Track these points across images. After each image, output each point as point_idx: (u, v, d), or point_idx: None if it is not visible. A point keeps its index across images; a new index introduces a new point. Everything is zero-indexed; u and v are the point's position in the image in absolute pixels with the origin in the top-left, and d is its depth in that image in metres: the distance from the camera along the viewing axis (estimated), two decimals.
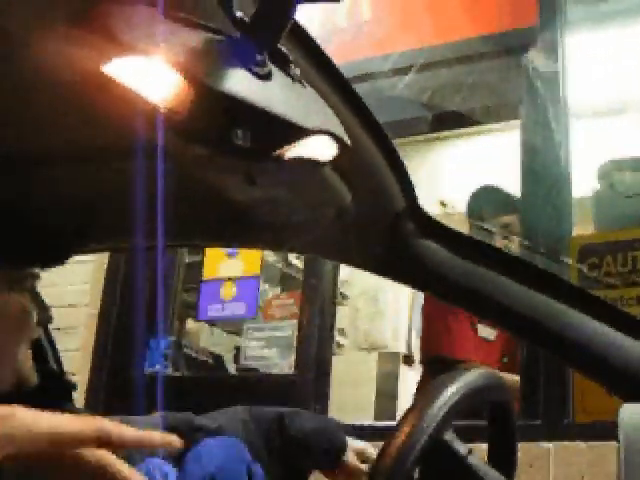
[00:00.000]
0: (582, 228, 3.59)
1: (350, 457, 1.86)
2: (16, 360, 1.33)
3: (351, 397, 5.28)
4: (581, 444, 2.98)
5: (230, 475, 1.63)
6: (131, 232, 1.27)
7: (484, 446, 1.37)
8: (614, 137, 4.23)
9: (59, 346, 2.00)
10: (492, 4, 3.96)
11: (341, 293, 5.06)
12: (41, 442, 0.78)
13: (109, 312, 4.39)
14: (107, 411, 1.70)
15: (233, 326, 5.14)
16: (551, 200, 3.45)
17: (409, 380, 5.12)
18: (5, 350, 1.32)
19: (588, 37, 4.04)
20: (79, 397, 3.80)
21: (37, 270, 1.41)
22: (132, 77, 0.92)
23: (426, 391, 1.17)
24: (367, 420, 4.50)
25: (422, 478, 1.19)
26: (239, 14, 0.93)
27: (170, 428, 1.64)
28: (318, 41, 1.12)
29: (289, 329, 4.41)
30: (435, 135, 4.50)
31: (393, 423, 1.12)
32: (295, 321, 4.23)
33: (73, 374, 3.82)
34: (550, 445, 3.03)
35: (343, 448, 1.85)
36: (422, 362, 3.95)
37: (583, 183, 3.61)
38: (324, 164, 1.10)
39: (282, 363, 4.41)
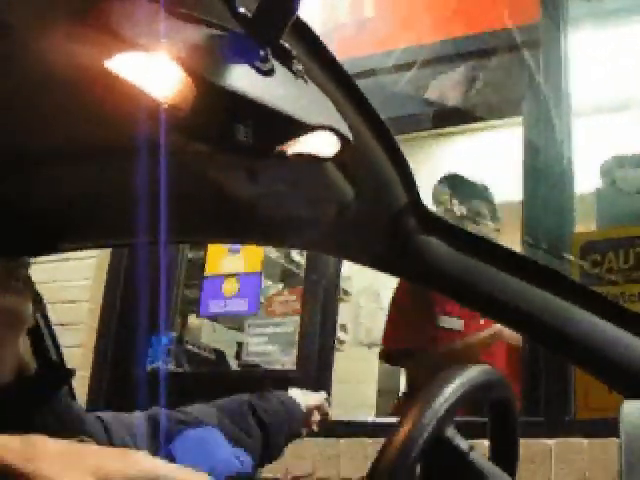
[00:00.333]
0: (584, 225, 3.60)
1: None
2: (17, 349, 1.34)
3: (353, 393, 5.28)
4: (582, 441, 2.98)
5: (217, 459, 1.67)
6: (133, 228, 1.27)
7: (486, 442, 1.37)
8: (616, 134, 4.23)
9: (61, 342, 2.01)
10: (494, 1, 3.96)
11: (343, 289, 5.06)
12: None
13: (111, 308, 4.39)
14: (108, 408, 1.70)
15: (235, 322, 5.15)
16: (553, 197, 3.45)
17: None
18: (6, 341, 1.33)
19: (590, 34, 4.04)
20: (81, 393, 3.80)
21: (29, 258, 1.40)
22: (134, 73, 0.92)
23: (427, 388, 1.17)
24: (369, 416, 4.50)
25: (424, 474, 1.19)
26: (241, 10, 0.93)
27: (156, 423, 1.66)
28: (321, 37, 1.12)
29: (291, 325, 4.42)
30: (437, 131, 4.49)
31: (394, 419, 1.12)
32: (297, 317, 4.24)
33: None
34: (552, 442, 3.03)
35: (301, 419, 2.03)
36: (380, 356, 4.00)
37: (585, 180, 3.61)
38: (326, 160, 1.10)
39: (284, 359, 4.42)
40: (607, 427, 2.88)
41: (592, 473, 2.92)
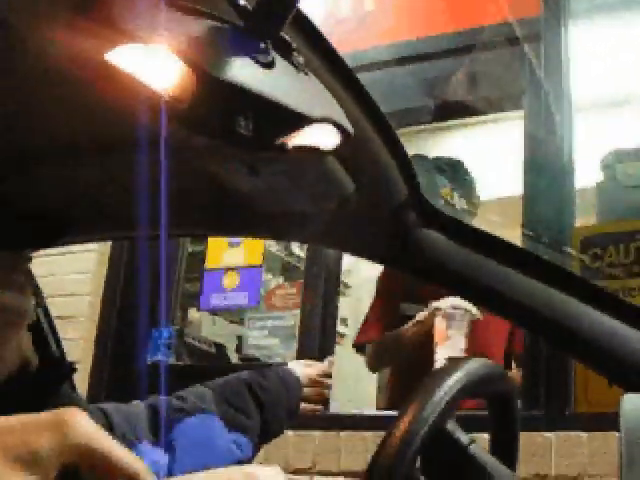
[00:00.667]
0: (584, 219, 3.60)
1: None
2: (18, 345, 1.34)
3: (353, 387, 5.29)
4: (583, 434, 2.98)
5: (218, 446, 1.68)
6: (133, 221, 1.27)
7: (486, 436, 1.38)
8: (617, 128, 4.23)
9: (61, 335, 2.01)
10: None
11: (343, 283, 5.07)
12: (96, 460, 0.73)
13: (111, 301, 4.39)
14: (109, 401, 1.70)
15: (235, 315, 5.15)
16: (553, 191, 3.45)
17: None
18: (7, 336, 1.33)
19: (591, 28, 4.04)
20: (81, 386, 3.80)
21: (30, 253, 1.40)
22: (135, 65, 0.92)
23: (428, 381, 1.17)
24: (369, 410, 4.50)
25: (424, 468, 1.20)
26: (242, 2, 0.93)
27: (156, 412, 1.67)
28: (321, 30, 1.12)
29: (291, 319, 4.42)
30: (438, 125, 4.50)
31: (395, 413, 1.12)
32: (297, 311, 4.24)
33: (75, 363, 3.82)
34: (552, 435, 3.03)
35: (300, 393, 2.02)
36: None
37: (586, 174, 3.61)
38: (327, 153, 1.10)
39: (284, 353, 4.42)
40: (607, 421, 2.89)
41: (592, 467, 2.92)
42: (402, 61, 3.99)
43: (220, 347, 4.90)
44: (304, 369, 2.07)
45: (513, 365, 3.65)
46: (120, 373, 4.16)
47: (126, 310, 4.32)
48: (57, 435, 0.64)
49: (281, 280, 5.17)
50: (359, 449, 3.36)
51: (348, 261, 4.63)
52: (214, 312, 5.00)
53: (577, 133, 3.58)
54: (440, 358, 3.36)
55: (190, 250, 4.89)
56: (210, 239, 4.47)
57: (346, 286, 5.60)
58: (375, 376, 5.70)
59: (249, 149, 1.02)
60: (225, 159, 1.15)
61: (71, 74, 0.99)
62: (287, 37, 1.00)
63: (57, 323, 1.97)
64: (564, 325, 1.32)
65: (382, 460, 1.07)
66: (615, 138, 3.96)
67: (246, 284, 4.36)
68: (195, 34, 0.91)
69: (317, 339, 3.92)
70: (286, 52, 1.00)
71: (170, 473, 1.55)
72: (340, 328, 5.02)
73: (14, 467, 0.61)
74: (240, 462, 1.77)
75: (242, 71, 0.92)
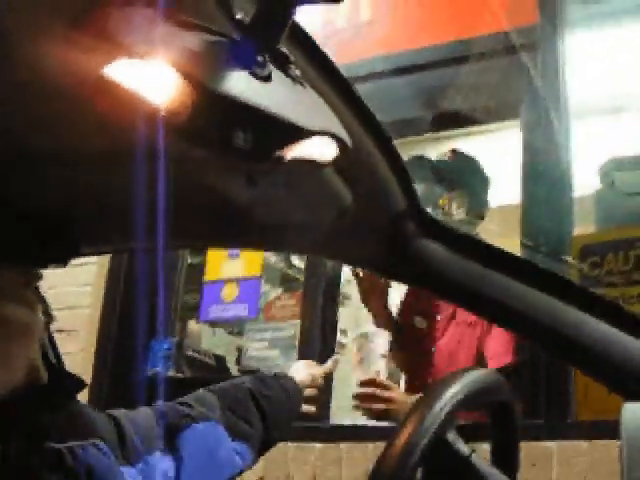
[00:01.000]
0: (583, 227, 3.60)
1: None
2: (29, 361, 1.34)
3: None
4: (584, 443, 2.97)
5: (221, 456, 1.69)
6: (132, 234, 1.27)
7: (486, 446, 1.38)
8: (615, 136, 4.23)
9: (60, 348, 2.00)
10: (492, 3, 3.96)
11: (343, 293, 5.06)
12: None
13: (111, 314, 4.39)
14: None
15: (235, 327, 5.15)
16: (552, 199, 3.45)
17: None
18: (19, 353, 1.33)
19: (588, 36, 4.05)
20: (82, 398, 3.79)
21: (40, 270, 1.41)
22: (132, 80, 0.92)
23: (428, 392, 1.17)
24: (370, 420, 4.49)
25: (425, 478, 1.20)
26: (239, 15, 0.93)
27: (163, 418, 1.67)
28: (318, 42, 1.12)
29: (291, 330, 4.42)
30: (436, 135, 4.50)
31: (395, 423, 1.12)
32: (297, 322, 4.24)
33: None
34: (553, 444, 3.03)
35: (301, 399, 2.05)
36: None
37: (584, 182, 3.61)
38: (325, 165, 1.10)
39: (284, 364, 4.42)
40: (608, 429, 2.88)
41: (593, 475, 2.92)
42: (399, 71, 3.99)
43: (220, 359, 4.90)
44: (305, 370, 2.09)
45: None
46: (120, 385, 4.15)
47: (125, 322, 4.32)
48: None
49: (280, 291, 5.17)
50: (360, 460, 3.36)
51: (348, 272, 4.63)
52: (214, 324, 5.00)
53: (575, 141, 3.58)
54: (354, 382, 3.43)
55: (189, 262, 4.89)
56: (209, 251, 4.47)
57: (345, 296, 5.60)
58: None
59: (247, 162, 1.02)
60: (223, 171, 1.15)
61: (68, 88, 0.99)
62: (284, 49, 1.00)
63: (57, 336, 1.97)
64: (563, 333, 1.32)
65: (383, 471, 1.07)
66: (613, 146, 3.96)
67: (245, 296, 4.36)
68: (192, 48, 0.91)
69: (317, 350, 3.92)
70: (283, 65, 1.00)
71: None
72: (340, 338, 5.02)
73: None
74: (241, 471, 1.77)
75: (239, 84, 0.92)
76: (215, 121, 0.94)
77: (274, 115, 0.94)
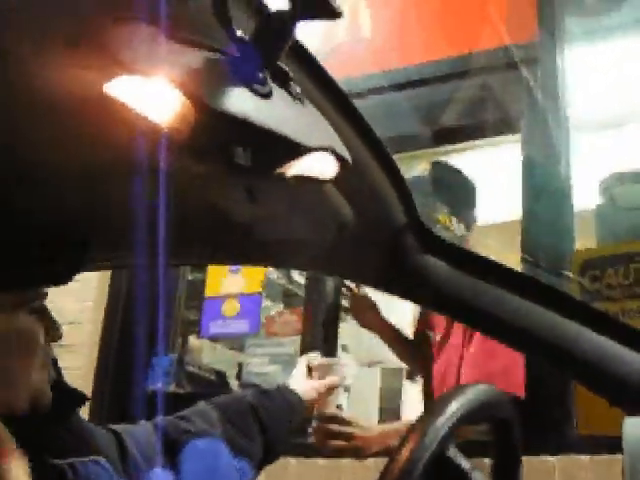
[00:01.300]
0: (583, 242, 3.60)
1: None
2: (30, 382, 1.34)
3: (354, 413, 5.26)
4: (585, 458, 2.97)
5: (221, 472, 1.68)
6: (133, 250, 1.27)
7: (488, 461, 1.37)
8: (615, 150, 4.24)
9: (61, 364, 2.00)
10: (491, 19, 3.97)
11: (344, 309, 5.06)
12: None
13: (111, 330, 4.39)
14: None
15: (235, 343, 5.15)
16: (552, 214, 3.45)
17: (412, 396, 5.12)
18: (17, 373, 1.33)
19: (588, 51, 4.05)
20: (82, 414, 3.79)
21: (44, 289, 1.41)
22: (133, 97, 0.92)
23: (429, 407, 1.17)
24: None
25: None
26: (239, 32, 0.94)
27: (164, 433, 1.67)
28: (318, 58, 1.12)
29: (291, 345, 4.41)
30: (435, 150, 4.50)
31: (396, 439, 1.12)
32: (298, 337, 4.23)
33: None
34: (554, 459, 3.02)
35: (302, 411, 2.05)
36: None
37: (584, 196, 3.61)
38: (325, 181, 1.11)
39: (285, 380, 4.41)
40: (610, 444, 2.87)
41: None
42: (398, 87, 4.00)
43: (220, 374, 4.89)
44: (306, 382, 2.08)
45: None
46: (120, 401, 4.15)
47: (126, 338, 4.31)
48: None
49: (281, 307, 5.17)
50: (362, 476, 3.35)
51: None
52: (214, 339, 4.99)
53: (575, 156, 3.58)
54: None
55: (190, 278, 4.89)
56: (210, 267, 4.47)
57: (346, 312, 5.59)
58: (377, 400, 5.69)
59: (248, 178, 1.02)
60: (224, 188, 1.16)
61: (69, 105, 1.00)
62: (284, 66, 1.01)
63: (57, 352, 1.96)
64: (564, 348, 1.31)
65: None
66: (614, 160, 3.97)
67: (246, 311, 4.36)
68: (193, 65, 0.92)
69: None
70: (283, 81, 1.01)
71: None
72: (341, 354, 5.01)
73: None
74: None
75: (240, 101, 0.92)
76: (216, 138, 0.94)
77: (274, 132, 0.95)
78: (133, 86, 0.91)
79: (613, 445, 1.27)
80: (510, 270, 1.41)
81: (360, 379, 5.58)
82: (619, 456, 1.14)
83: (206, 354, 5.02)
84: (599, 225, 3.63)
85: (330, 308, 4.07)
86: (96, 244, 1.49)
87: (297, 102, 1.02)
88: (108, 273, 4.42)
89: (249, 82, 0.94)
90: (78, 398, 1.49)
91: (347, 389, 2.50)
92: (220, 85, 0.92)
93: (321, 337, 3.97)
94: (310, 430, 2.72)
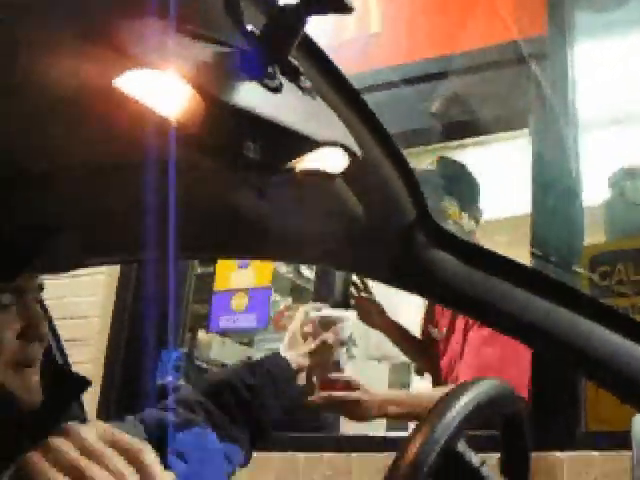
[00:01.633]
0: (593, 237, 3.59)
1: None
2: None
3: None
4: (594, 454, 2.96)
5: (211, 460, 1.67)
6: (142, 244, 1.27)
7: (497, 456, 1.37)
8: (625, 145, 4.22)
9: (70, 358, 2.01)
10: (500, 14, 3.96)
11: (352, 304, 5.06)
12: None
13: (120, 324, 4.39)
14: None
15: (244, 337, 5.15)
16: (562, 209, 3.45)
17: (421, 390, 5.12)
18: None
19: (597, 45, 4.05)
20: (90, 409, 3.80)
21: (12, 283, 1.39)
22: (143, 91, 0.92)
23: (438, 403, 1.17)
24: (379, 431, 4.49)
25: None
26: (249, 27, 0.94)
27: (150, 429, 1.67)
28: (328, 52, 1.12)
29: None
30: (445, 145, 4.50)
31: (405, 434, 1.12)
32: None
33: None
34: (563, 455, 3.02)
35: (293, 381, 1.92)
36: None
37: (594, 191, 3.60)
38: (335, 176, 1.11)
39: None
40: (619, 440, 2.87)
41: None
42: (408, 82, 4.00)
43: None
44: (289, 350, 2.00)
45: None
46: (129, 395, 4.15)
47: (135, 333, 4.32)
48: None
49: (290, 301, 5.17)
50: (370, 471, 3.35)
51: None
52: (223, 334, 5.00)
53: (585, 151, 3.57)
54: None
55: (199, 272, 4.89)
56: (219, 261, 4.47)
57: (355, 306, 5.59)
58: None
59: (258, 173, 1.02)
60: (233, 183, 1.16)
61: (79, 99, 1.00)
62: (294, 61, 1.01)
63: (67, 346, 1.97)
64: (574, 344, 1.31)
65: None
66: (623, 155, 3.95)
67: (255, 306, 4.36)
68: (203, 59, 0.91)
69: None
70: (293, 76, 1.01)
71: None
72: (350, 347, 5.00)
73: None
74: (234, 471, 1.76)
75: (250, 95, 0.92)
76: (226, 132, 0.94)
77: (284, 126, 0.95)
78: (143, 80, 0.91)
79: (622, 441, 1.26)
80: (519, 265, 1.40)
81: (368, 374, 5.58)
82: (628, 452, 1.14)
83: (215, 348, 5.02)
84: (608, 220, 3.62)
85: (339, 302, 4.07)
86: (105, 238, 1.49)
87: (307, 96, 1.02)
88: (117, 267, 4.42)
89: (259, 76, 0.94)
90: (81, 383, 1.49)
91: (349, 343, 2.25)
92: (230, 79, 0.92)
93: None
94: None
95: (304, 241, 1.41)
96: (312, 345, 2.03)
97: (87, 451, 0.96)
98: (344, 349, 2.08)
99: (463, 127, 4.14)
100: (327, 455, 3.47)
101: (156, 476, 0.97)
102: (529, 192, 3.59)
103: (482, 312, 1.43)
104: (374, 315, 3.65)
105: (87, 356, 4.24)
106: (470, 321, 3.21)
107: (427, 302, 3.82)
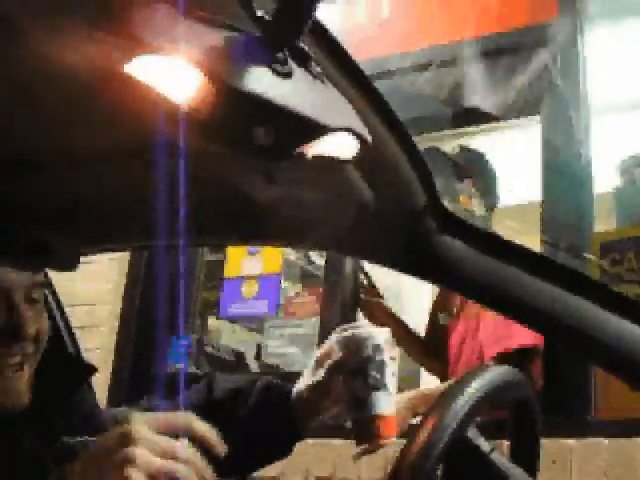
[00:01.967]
0: (603, 224, 3.58)
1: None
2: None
3: None
4: (604, 441, 2.96)
5: None
6: (152, 231, 1.28)
7: (507, 442, 1.37)
8: (635, 132, 4.21)
9: (81, 344, 2.01)
10: (510, 1, 3.95)
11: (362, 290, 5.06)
12: None
13: (130, 310, 4.40)
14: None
15: (254, 323, 5.15)
16: (572, 196, 3.44)
17: (431, 379, 5.13)
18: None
19: (608, 32, 4.03)
20: (101, 395, 3.81)
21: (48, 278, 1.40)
22: (153, 76, 0.92)
23: (449, 389, 1.17)
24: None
25: (445, 475, 1.20)
26: (260, 12, 0.94)
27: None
28: (338, 38, 1.12)
29: (310, 326, 4.41)
30: (455, 131, 4.49)
31: (415, 421, 1.12)
32: (316, 318, 4.23)
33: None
34: (573, 442, 3.02)
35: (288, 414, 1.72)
36: None
37: (604, 179, 3.59)
38: (345, 162, 1.10)
39: (304, 360, 4.41)
40: (629, 427, 2.87)
41: (613, 473, 2.91)
42: (418, 68, 3.99)
43: (239, 355, 4.90)
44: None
45: None
46: (139, 381, 4.16)
47: (145, 319, 4.33)
48: None
49: (300, 288, 5.16)
50: (380, 457, 3.34)
51: (368, 268, 4.63)
52: (233, 320, 5.00)
53: (595, 138, 3.56)
54: None
55: (209, 259, 4.89)
56: (229, 248, 4.48)
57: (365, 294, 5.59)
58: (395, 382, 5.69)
59: (268, 159, 1.02)
60: (244, 168, 1.16)
61: (90, 85, 1.00)
62: (304, 46, 1.00)
63: (78, 333, 1.97)
64: (584, 331, 1.31)
65: (404, 468, 1.07)
66: (633, 142, 3.94)
67: (265, 292, 4.36)
68: (213, 45, 0.91)
69: None
70: (304, 61, 1.00)
71: None
72: None
73: None
74: None
75: (260, 81, 0.92)
76: (236, 118, 0.94)
77: (295, 112, 0.95)
78: (153, 65, 0.91)
79: (631, 428, 1.27)
80: (529, 251, 1.40)
81: None
82: (637, 439, 1.14)
83: (225, 335, 5.02)
84: (619, 207, 3.61)
85: (349, 289, 4.07)
86: (116, 226, 1.50)
87: (317, 82, 1.02)
88: (127, 254, 4.43)
89: (269, 62, 0.94)
90: (86, 369, 1.49)
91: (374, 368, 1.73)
92: (240, 65, 0.92)
93: (340, 318, 3.97)
94: None
95: (314, 227, 1.41)
96: (322, 374, 1.71)
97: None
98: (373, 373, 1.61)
99: (473, 114, 4.13)
100: (336, 441, 3.47)
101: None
102: (540, 179, 3.59)
103: (490, 298, 1.42)
104: (380, 316, 3.67)
105: (97, 343, 4.25)
106: None
107: (437, 292, 3.83)
